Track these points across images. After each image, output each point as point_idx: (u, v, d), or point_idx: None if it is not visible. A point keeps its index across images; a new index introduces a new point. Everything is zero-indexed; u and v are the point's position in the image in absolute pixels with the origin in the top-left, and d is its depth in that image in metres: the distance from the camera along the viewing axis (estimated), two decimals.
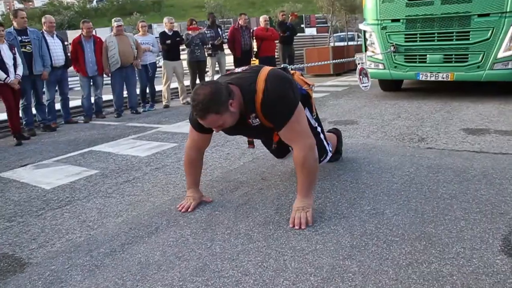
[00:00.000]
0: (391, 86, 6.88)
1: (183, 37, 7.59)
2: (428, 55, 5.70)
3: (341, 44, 14.17)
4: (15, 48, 5.42)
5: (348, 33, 14.60)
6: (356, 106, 5.91)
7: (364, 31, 6.40)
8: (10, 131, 5.53)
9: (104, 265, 1.99)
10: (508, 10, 4.92)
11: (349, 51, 11.71)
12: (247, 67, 2.35)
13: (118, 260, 2.02)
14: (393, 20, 5.92)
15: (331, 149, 2.85)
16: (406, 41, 5.87)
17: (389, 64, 6.07)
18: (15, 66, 5.35)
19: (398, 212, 2.24)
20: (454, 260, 1.74)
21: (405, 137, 3.86)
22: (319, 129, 2.74)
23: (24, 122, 5.88)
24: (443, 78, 5.58)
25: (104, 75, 6.87)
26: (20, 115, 5.82)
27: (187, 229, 2.28)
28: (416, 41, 5.77)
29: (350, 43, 13.27)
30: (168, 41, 7.33)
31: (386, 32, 6.00)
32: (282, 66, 2.74)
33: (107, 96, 7.41)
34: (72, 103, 6.98)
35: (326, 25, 29.37)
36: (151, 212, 2.58)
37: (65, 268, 2.00)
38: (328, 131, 3.23)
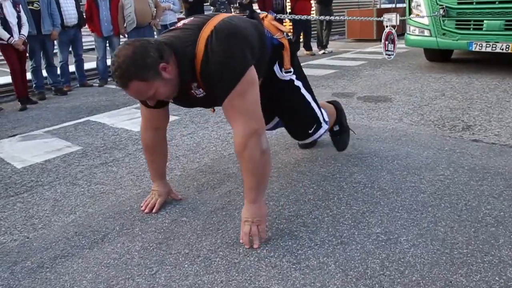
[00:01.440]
0: (438, 56, 5.96)
1: None
2: (485, 21, 4.75)
3: (389, 6, 12.91)
4: (20, 6, 5.00)
5: None
6: (394, 78, 5.13)
7: None
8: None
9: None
10: None
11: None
12: (193, 18, 1.74)
13: (38, 282, 1.57)
14: None
15: (326, 119, 2.22)
16: (459, 3, 4.93)
17: (436, 30, 5.17)
18: (19, 25, 4.96)
19: (417, 242, 1.62)
20: None
21: (446, 123, 3.13)
22: (299, 83, 2.09)
23: (33, 85, 5.57)
24: (502, 49, 4.65)
25: (121, 36, 6.41)
26: (30, 77, 5.52)
27: (138, 242, 1.78)
28: (472, 3, 4.82)
29: (399, 5, 12.01)
30: None
31: None
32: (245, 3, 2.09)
33: None
34: (88, 65, 6.62)
35: None
36: (109, 210, 2.10)
37: None
38: (327, 101, 2.58)
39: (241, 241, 1.69)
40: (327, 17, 3.80)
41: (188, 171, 2.54)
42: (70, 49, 6.07)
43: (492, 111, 3.39)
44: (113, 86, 6.09)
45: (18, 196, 2.38)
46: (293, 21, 7.90)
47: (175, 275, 1.54)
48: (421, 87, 4.49)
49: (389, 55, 3.97)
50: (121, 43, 6.41)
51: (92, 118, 4.15)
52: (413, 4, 5.43)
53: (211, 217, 1.94)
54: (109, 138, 3.38)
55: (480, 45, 4.81)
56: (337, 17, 4.08)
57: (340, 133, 2.55)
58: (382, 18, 3.81)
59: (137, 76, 1.49)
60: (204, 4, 7.00)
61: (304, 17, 3.62)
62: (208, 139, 3.13)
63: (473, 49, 4.92)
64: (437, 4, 5.05)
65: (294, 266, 1.52)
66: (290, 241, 1.69)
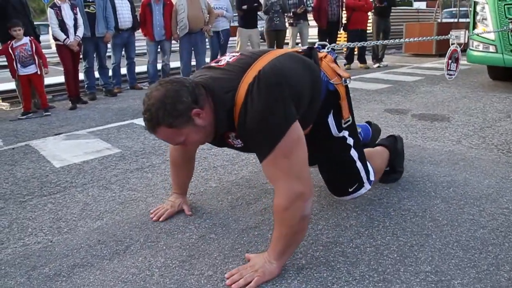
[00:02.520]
0: (503, 74, 5.49)
1: (262, 2, 6.87)
2: None
3: (451, 20, 12.31)
4: (77, 8, 5.16)
5: (461, 8, 12.63)
6: (454, 96, 4.76)
7: (475, 3, 5.12)
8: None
9: None
10: None
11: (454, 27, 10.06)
12: (238, 55, 1.55)
13: None
14: None
15: (371, 178, 1.92)
16: None
17: (503, 46, 4.75)
18: (75, 27, 5.11)
19: None
20: None
21: (511, 148, 2.81)
22: (350, 141, 1.84)
23: (85, 86, 5.71)
24: None
25: (173, 41, 6.47)
26: (82, 78, 5.67)
27: (160, 257, 1.66)
28: None
29: (462, 19, 11.43)
30: (245, 6, 6.68)
31: (504, 4, 4.68)
32: (316, 45, 1.87)
33: (176, 63, 7.01)
34: (139, 69, 6.73)
35: None
36: (136, 219, 2.00)
37: None
38: (379, 144, 2.27)
39: (226, 275, 1.49)
40: (385, 42, 3.49)
41: (224, 183, 2.41)
42: (123, 52, 6.18)
43: None
44: None
45: (50, 196, 2.35)
46: (348, 31, 7.68)
47: None
48: (484, 107, 4.12)
49: (450, 75, 3.65)
50: (172, 47, 6.51)
51: (136, 121, 4.14)
52: (478, 17, 5.05)
53: (241, 236, 1.79)
54: (149, 143, 3.33)
55: None
56: (396, 40, 3.75)
57: (389, 174, 2.26)
58: (449, 35, 3.51)
59: (165, 122, 1.36)
60: (258, 12, 6.94)
61: (359, 44, 3.24)
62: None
63: None
64: (506, 17, 4.66)
65: None
66: (325, 272, 1.50)
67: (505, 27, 4.65)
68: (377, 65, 8.04)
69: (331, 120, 1.76)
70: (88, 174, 2.67)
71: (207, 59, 6.79)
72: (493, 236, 1.69)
